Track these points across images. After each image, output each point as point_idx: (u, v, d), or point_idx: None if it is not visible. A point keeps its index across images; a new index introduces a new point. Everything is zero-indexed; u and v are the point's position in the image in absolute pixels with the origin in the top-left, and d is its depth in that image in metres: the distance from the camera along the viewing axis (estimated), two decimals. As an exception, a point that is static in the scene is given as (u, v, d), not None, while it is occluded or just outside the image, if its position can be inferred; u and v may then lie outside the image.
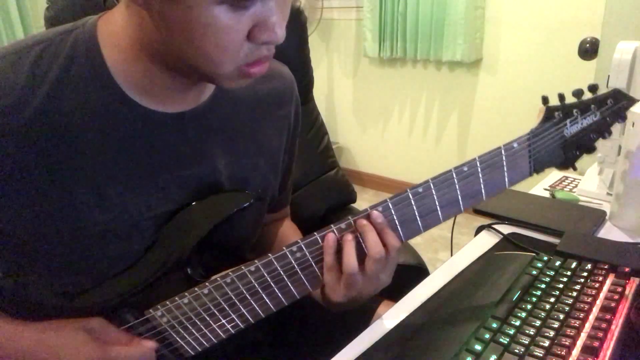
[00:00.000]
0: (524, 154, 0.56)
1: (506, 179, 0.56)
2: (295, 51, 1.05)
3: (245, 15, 0.45)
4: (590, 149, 0.59)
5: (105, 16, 0.55)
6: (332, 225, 0.55)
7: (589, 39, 1.37)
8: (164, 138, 0.56)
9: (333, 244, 0.54)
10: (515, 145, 0.55)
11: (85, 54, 0.52)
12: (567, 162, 0.59)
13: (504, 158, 0.55)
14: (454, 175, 0.54)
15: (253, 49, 0.49)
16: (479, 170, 0.55)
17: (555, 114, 0.57)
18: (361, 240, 0.55)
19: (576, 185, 1.02)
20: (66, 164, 0.52)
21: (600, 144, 0.61)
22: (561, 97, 0.57)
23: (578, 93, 0.57)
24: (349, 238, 0.54)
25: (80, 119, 0.52)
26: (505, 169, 0.55)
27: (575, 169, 0.61)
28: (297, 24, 1.03)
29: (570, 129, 0.57)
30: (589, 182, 1.01)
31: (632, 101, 0.59)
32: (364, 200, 2.85)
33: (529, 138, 0.56)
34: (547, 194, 0.99)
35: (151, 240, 0.57)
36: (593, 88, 0.58)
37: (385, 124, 2.92)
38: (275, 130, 0.69)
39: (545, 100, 0.57)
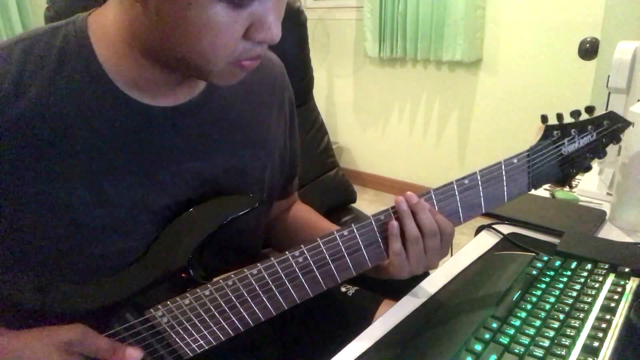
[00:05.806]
0: (523, 169, 0.58)
1: (505, 193, 0.58)
2: (295, 51, 1.05)
3: (242, 14, 0.45)
4: (586, 168, 0.61)
5: (96, 12, 0.55)
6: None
7: (589, 39, 1.37)
8: (159, 132, 0.56)
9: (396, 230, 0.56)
10: (515, 160, 0.57)
11: (77, 49, 0.52)
12: (564, 179, 0.61)
13: (503, 173, 0.57)
14: (455, 187, 0.56)
15: (248, 47, 0.49)
16: (480, 183, 0.56)
17: (554, 132, 0.59)
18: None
19: (576, 185, 1.02)
20: (61, 159, 0.52)
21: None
22: (559, 116, 0.59)
23: (576, 114, 0.60)
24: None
25: (74, 114, 0.52)
26: (504, 183, 0.57)
27: (571, 186, 0.63)
28: (297, 24, 1.03)
29: (568, 148, 0.59)
30: (589, 182, 1.01)
31: (626, 124, 0.61)
32: (364, 200, 2.85)
33: (529, 154, 0.58)
34: (547, 194, 0.99)
35: (150, 236, 0.57)
36: (589, 109, 0.60)
37: (386, 124, 2.92)
38: (271, 119, 0.69)
39: (544, 119, 0.60)
